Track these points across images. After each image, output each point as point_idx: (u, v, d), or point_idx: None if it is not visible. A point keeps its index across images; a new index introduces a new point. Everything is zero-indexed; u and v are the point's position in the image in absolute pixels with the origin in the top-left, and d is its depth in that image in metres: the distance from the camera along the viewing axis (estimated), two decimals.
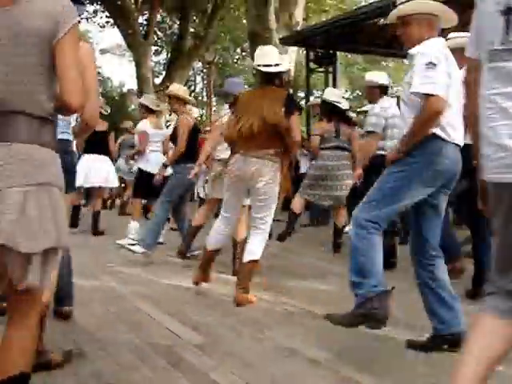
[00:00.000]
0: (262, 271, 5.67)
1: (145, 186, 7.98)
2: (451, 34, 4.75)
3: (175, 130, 7.25)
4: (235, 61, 36.49)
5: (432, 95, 3.21)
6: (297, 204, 7.39)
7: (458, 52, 3.68)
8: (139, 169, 8.21)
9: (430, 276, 3.49)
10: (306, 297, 4.84)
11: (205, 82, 35.14)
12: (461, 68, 3.45)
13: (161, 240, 7.83)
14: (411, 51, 3.42)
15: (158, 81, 27.33)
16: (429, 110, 3.23)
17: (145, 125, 8.33)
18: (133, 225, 8.00)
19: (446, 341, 3.42)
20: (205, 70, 34.56)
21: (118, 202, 14.25)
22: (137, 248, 7.02)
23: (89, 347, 3.59)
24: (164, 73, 28.57)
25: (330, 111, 7.26)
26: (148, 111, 8.35)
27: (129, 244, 7.73)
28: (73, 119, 4.09)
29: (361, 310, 3.33)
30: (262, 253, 4.88)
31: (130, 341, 3.74)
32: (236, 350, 3.57)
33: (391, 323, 3.78)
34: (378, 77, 6.44)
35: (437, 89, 3.22)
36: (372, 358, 3.41)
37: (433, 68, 3.23)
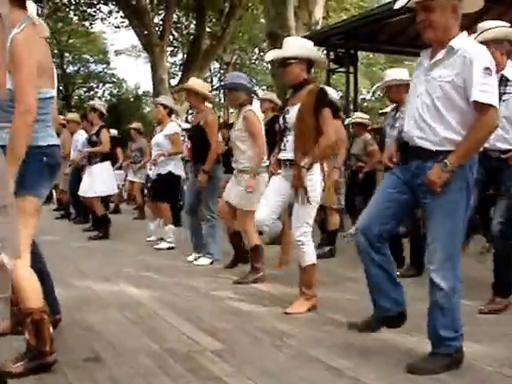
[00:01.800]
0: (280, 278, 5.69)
1: (175, 189, 8.01)
2: (485, 23, 4.29)
3: (198, 128, 6.75)
4: (253, 61, 36.44)
5: (492, 106, 2.99)
6: None
7: (492, 45, 3.52)
8: (170, 172, 7.89)
9: None
10: (326, 303, 4.73)
11: (222, 83, 35.15)
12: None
13: (173, 245, 7.81)
14: (455, 45, 3.06)
15: (174, 82, 27.35)
16: (490, 123, 3.04)
17: (176, 126, 8.23)
18: (169, 228, 7.94)
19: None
20: (222, 71, 34.58)
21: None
22: (163, 244, 7.86)
23: (105, 353, 3.53)
24: (180, 74, 28.56)
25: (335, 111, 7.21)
26: (170, 113, 8.16)
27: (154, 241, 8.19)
28: None
29: (448, 360, 3.23)
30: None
31: (147, 347, 3.67)
32: (254, 357, 3.49)
33: (417, 332, 3.69)
34: (403, 73, 6.13)
35: (496, 100, 3.01)
36: (394, 367, 3.30)
37: (490, 74, 2.99)
